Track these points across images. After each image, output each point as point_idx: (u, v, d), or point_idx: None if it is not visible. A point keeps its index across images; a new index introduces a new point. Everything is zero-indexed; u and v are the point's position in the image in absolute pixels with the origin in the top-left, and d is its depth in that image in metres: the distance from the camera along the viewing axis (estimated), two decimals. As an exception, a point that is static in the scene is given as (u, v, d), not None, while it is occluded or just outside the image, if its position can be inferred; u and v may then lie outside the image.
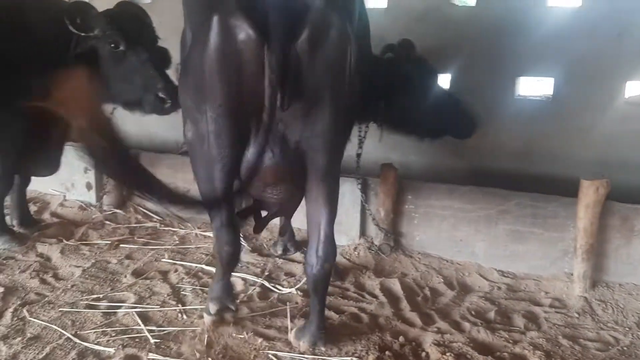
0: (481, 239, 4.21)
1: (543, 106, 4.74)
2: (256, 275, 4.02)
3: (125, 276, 3.96)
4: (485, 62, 4.73)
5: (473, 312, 3.58)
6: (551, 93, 4.72)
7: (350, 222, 4.52)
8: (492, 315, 3.54)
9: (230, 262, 3.21)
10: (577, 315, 3.59)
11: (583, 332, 3.40)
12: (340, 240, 4.56)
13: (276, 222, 4.76)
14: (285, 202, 3.12)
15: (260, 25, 2.40)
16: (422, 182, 4.44)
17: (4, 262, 4.13)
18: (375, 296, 3.77)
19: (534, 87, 4.92)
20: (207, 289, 3.78)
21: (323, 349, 3.09)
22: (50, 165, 4.58)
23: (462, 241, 4.27)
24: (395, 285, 3.90)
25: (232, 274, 3.44)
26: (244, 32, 2.42)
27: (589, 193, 3.69)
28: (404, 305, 3.64)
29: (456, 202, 4.26)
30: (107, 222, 4.98)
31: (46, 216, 5.13)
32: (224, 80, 2.55)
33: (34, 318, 3.36)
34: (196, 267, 4.11)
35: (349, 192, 4.46)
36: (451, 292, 3.86)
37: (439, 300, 3.76)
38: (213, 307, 3.32)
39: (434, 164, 4.93)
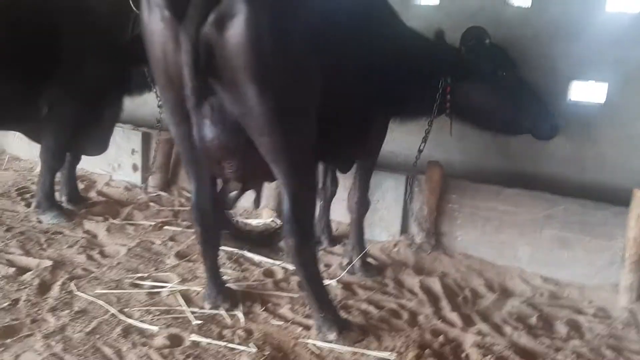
0: (525, 243, 4.14)
1: (595, 112, 4.62)
2: (296, 265, 4.04)
3: (169, 257, 4.03)
4: (538, 64, 4.63)
5: (514, 317, 3.53)
6: (604, 99, 4.61)
7: (391, 218, 4.51)
8: (533, 320, 3.48)
9: (202, 244, 3.28)
10: (621, 327, 3.50)
11: (627, 344, 3.32)
12: (381, 235, 4.58)
13: (316, 213, 4.83)
14: (246, 177, 3.11)
15: (177, 6, 2.49)
16: (468, 182, 4.39)
17: (53, 236, 4.25)
18: (414, 294, 3.75)
19: (586, 92, 4.79)
20: (247, 273, 3.84)
21: (331, 337, 3.07)
22: (101, 145, 4.70)
23: (506, 244, 4.21)
24: (435, 284, 3.87)
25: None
26: (162, 11, 2.54)
27: (642, 203, 3.60)
28: (444, 304, 3.61)
29: (501, 204, 4.21)
30: (152, 204, 5.08)
31: (93, 194, 5.26)
32: (154, 59, 2.72)
33: (81, 292, 3.45)
34: (237, 252, 4.15)
35: (392, 188, 4.46)
36: (492, 295, 3.81)
37: (480, 302, 3.72)
38: (206, 306, 3.39)
39: (479, 164, 4.85)
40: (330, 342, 3.06)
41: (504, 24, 4.67)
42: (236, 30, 2.48)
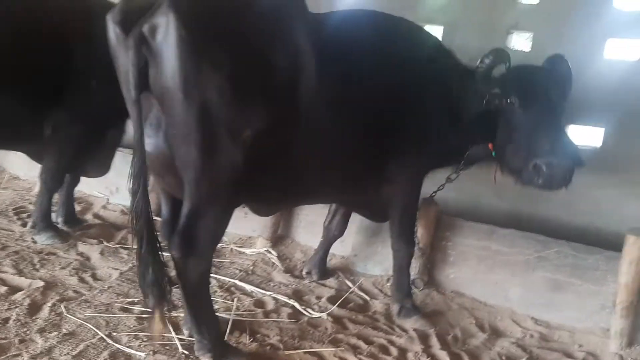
0: (517, 284, 4.15)
1: (591, 156, 4.68)
2: (287, 296, 4.04)
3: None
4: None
5: (504, 357, 3.52)
6: (600, 143, 4.67)
7: (386, 252, 4.50)
8: (523, 362, 3.49)
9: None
10: (611, 373, 3.50)
11: (616, 391, 3.31)
12: (374, 270, 4.58)
13: (311, 244, 4.85)
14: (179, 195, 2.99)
15: (125, 23, 2.69)
16: (463, 220, 4.42)
17: (46, 257, 4.25)
18: (405, 330, 3.74)
19: (583, 136, 4.86)
20: (238, 303, 3.83)
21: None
22: (103, 167, 4.75)
23: (498, 284, 4.21)
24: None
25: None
26: (114, 28, 2.76)
27: (634, 249, 3.62)
28: (434, 342, 3.60)
29: (494, 244, 4.24)
30: (147, 229, 5.07)
31: (89, 217, 5.27)
32: (119, 74, 2.89)
33: (71, 315, 3.45)
34: (229, 281, 4.15)
35: (387, 223, 4.47)
36: (482, 334, 3.80)
37: (470, 341, 3.71)
38: (185, 331, 3.37)
39: (474, 202, 4.89)
40: None
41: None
42: (164, 41, 2.57)
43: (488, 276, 4.25)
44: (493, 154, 3.62)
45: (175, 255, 2.87)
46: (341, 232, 4.39)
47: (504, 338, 3.81)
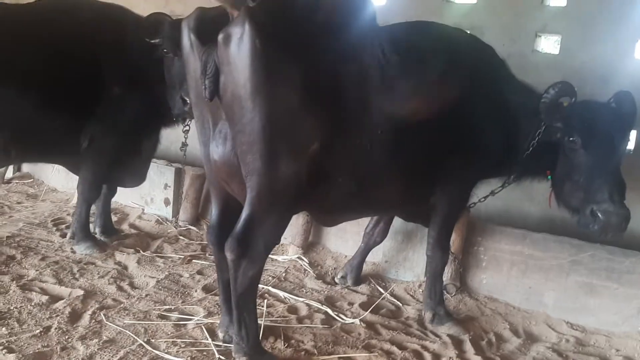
0: (551, 289, 4.12)
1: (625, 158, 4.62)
2: (319, 302, 4.08)
3: (196, 290, 4.10)
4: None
5: (539, 363, 3.50)
6: (633, 146, 4.61)
7: (416, 258, 4.53)
8: (559, 367, 3.46)
9: (217, 266, 3.38)
10: (650, 378, 3.45)
11: (656, 395, 3.27)
12: (406, 276, 4.59)
13: (342, 251, 4.89)
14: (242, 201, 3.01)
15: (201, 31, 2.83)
16: (494, 225, 4.41)
17: (85, 266, 4.37)
18: (438, 336, 3.74)
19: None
20: (270, 309, 3.89)
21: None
22: (138, 177, 4.87)
23: (531, 289, 4.19)
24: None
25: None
26: (189, 35, 2.88)
27: (670, 251, 3.57)
28: (468, 347, 3.59)
29: (527, 249, 4.21)
30: (181, 237, 5.19)
31: (125, 227, 5.40)
32: (189, 78, 3.03)
33: (110, 322, 3.54)
34: (262, 288, 4.20)
35: (417, 227, 4.48)
36: (517, 339, 3.78)
37: (504, 346, 3.69)
38: (219, 334, 3.44)
39: (506, 207, 4.87)
40: None
41: (532, 70, 4.74)
42: (237, 49, 2.64)
43: (521, 281, 4.23)
44: (549, 177, 3.64)
45: (230, 257, 2.93)
46: (382, 239, 4.42)
47: (539, 343, 3.78)
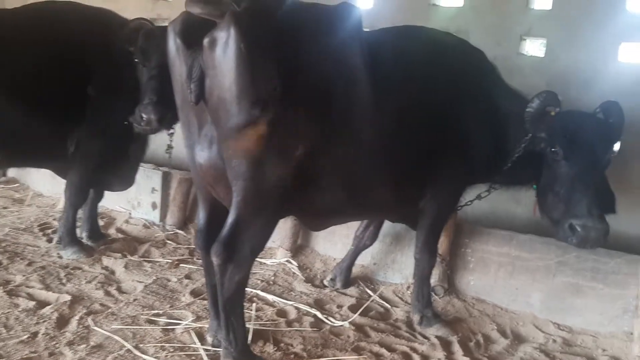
0: (538, 289, 4.16)
1: (608, 160, 4.68)
2: (309, 305, 4.08)
3: (184, 295, 4.09)
4: (551, 112, 4.72)
5: (527, 363, 3.53)
6: (617, 148, 4.65)
7: (405, 260, 4.55)
8: (546, 367, 3.49)
9: (205, 270, 3.39)
10: (635, 377, 3.49)
11: (642, 394, 3.30)
12: (394, 278, 4.61)
13: (330, 254, 4.90)
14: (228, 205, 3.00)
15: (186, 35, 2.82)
16: (482, 227, 4.44)
17: (72, 272, 4.34)
18: (426, 337, 3.76)
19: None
20: (259, 313, 3.88)
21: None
22: (127, 181, 4.85)
23: (518, 290, 4.22)
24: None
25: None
26: (175, 40, 2.87)
27: (655, 252, 3.62)
28: (456, 349, 3.61)
29: (514, 250, 4.25)
30: (169, 242, 5.16)
31: (112, 231, 5.36)
32: (173, 82, 3.02)
33: (98, 327, 3.52)
34: (251, 291, 4.20)
35: (406, 230, 4.50)
36: (504, 340, 3.81)
37: (492, 347, 3.72)
38: (208, 339, 3.44)
39: (492, 209, 4.91)
40: None
41: (517, 73, 4.79)
42: (223, 53, 2.64)
43: (508, 282, 4.26)
44: (534, 187, 3.65)
45: (216, 261, 2.92)
46: (372, 242, 4.43)
47: (527, 343, 3.81)
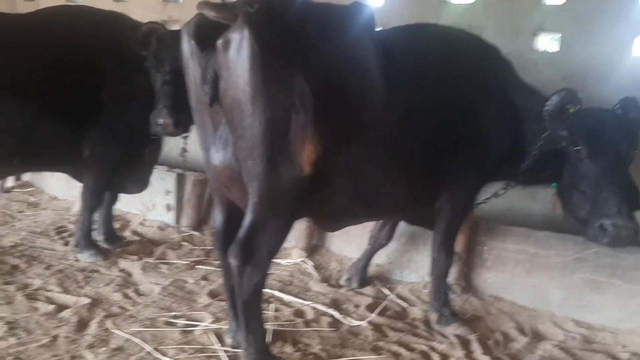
0: (556, 286, 4.13)
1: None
2: (325, 305, 4.08)
3: (201, 296, 4.10)
4: (567, 107, 4.69)
5: (547, 361, 3.51)
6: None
7: (420, 259, 4.53)
8: (566, 365, 3.47)
9: (224, 271, 3.37)
10: (657, 373, 3.46)
11: (664, 391, 3.28)
12: (410, 277, 4.60)
13: (345, 253, 4.89)
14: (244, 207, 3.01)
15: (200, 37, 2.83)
16: (497, 224, 4.42)
17: (90, 274, 4.36)
18: (445, 336, 3.75)
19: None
20: (277, 313, 3.89)
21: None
22: (141, 183, 4.87)
23: (536, 287, 4.19)
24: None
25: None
26: (189, 41, 2.88)
27: (675, 247, 3.58)
28: (476, 347, 3.60)
29: (531, 247, 4.22)
30: (184, 243, 5.18)
31: (127, 234, 5.38)
32: (189, 84, 3.02)
33: (118, 330, 3.54)
34: (268, 292, 4.20)
35: (421, 229, 4.48)
36: (524, 338, 3.79)
37: (511, 345, 3.70)
38: (227, 340, 3.44)
39: (509, 205, 4.87)
40: None
41: (531, 69, 4.76)
42: (236, 54, 2.65)
43: (526, 279, 4.23)
44: (553, 185, 3.62)
45: (234, 263, 2.93)
46: (388, 242, 4.41)
47: (546, 341, 3.79)
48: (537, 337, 3.86)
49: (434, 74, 3.38)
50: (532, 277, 4.21)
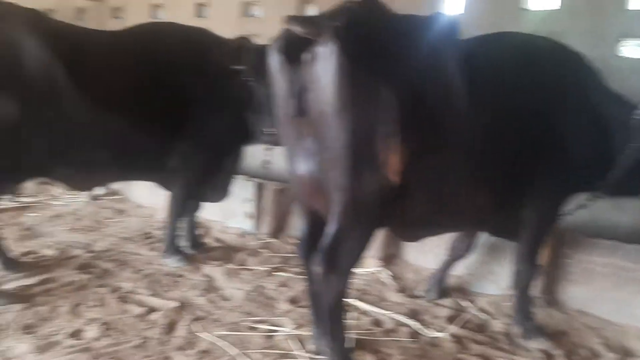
0: (645, 302, 3.97)
1: None
2: (404, 315, 4.09)
3: (282, 302, 4.20)
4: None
5: (638, 379, 3.38)
6: None
7: (501, 271, 4.46)
8: (659, 384, 3.33)
9: (307, 279, 3.40)
10: None
11: None
12: (490, 289, 4.53)
13: (421, 264, 4.88)
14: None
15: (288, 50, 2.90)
16: (583, 237, 4.29)
17: (176, 279, 4.56)
18: (528, 350, 3.67)
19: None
20: (357, 322, 3.93)
21: None
22: (222, 192, 5.04)
23: (624, 302, 4.04)
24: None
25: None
26: (278, 54, 2.95)
27: None
28: (561, 362, 3.52)
29: (620, 260, 4.07)
30: (263, 250, 5.32)
31: (208, 240, 5.58)
32: (276, 97, 3.10)
33: (206, 333, 3.68)
34: (347, 301, 4.24)
35: (502, 240, 4.40)
36: (611, 354, 3.66)
37: (599, 362, 3.60)
38: (311, 346, 3.49)
39: (593, 217, 4.73)
40: None
41: (616, 75, 4.60)
42: (324, 67, 2.71)
43: (613, 294, 4.09)
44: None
45: (318, 271, 2.99)
46: (468, 253, 4.37)
47: (635, 358, 3.64)
48: (625, 353, 3.71)
49: (517, 82, 3.35)
50: (620, 291, 4.06)
